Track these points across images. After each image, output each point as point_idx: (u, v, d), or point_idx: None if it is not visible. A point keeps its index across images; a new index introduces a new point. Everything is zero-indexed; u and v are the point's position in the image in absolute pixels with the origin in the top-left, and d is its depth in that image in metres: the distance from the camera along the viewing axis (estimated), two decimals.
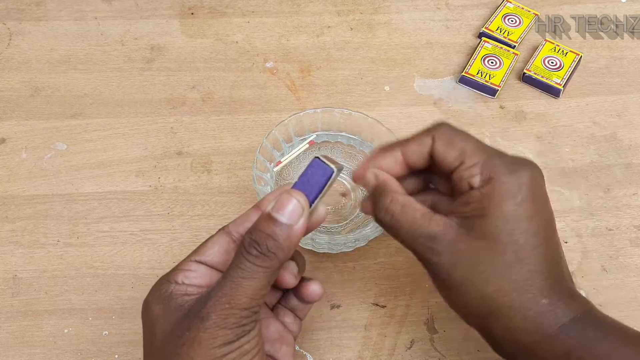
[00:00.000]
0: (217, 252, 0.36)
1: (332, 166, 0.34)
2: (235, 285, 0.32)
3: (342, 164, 0.37)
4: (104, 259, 0.50)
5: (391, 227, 0.37)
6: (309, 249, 0.50)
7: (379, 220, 0.38)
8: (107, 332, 0.47)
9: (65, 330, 0.47)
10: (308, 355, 0.46)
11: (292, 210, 0.33)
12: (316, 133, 0.53)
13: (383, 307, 0.49)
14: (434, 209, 0.37)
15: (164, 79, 0.61)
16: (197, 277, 0.35)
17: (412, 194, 0.39)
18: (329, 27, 0.66)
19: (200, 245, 0.37)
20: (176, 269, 0.36)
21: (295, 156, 0.53)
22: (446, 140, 0.37)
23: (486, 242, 0.34)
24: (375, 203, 0.38)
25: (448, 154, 0.36)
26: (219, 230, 0.37)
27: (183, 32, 0.65)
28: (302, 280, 0.39)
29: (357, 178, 0.39)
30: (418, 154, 0.37)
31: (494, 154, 0.36)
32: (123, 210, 0.53)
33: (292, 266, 0.37)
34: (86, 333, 0.47)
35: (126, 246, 0.51)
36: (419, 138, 0.38)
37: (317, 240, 0.47)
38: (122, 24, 0.65)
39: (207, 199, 0.54)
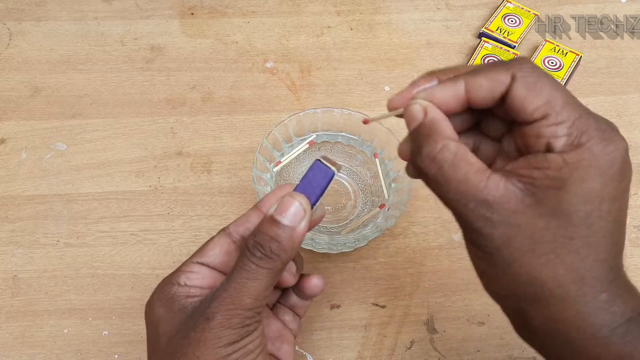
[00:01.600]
0: (218, 254, 0.36)
1: (333, 168, 0.35)
2: (239, 286, 0.32)
3: (341, 163, 0.37)
4: (104, 259, 0.50)
5: (436, 182, 0.30)
6: (309, 249, 0.50)
7: (420, 170, 0.31)
8: (107, 332, 0.47)
9: (65, 330, 0.47)
10: (308, 355, 0.46)
11: (294, 213, 0.33)
12: (316, 133, 0.53)
13: (383, 307, 0.49)
14: (476, 153, 0.32)
15: (164, 79, 0.61)
16: (199, 279, 0.35)
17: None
18: (329, 27, 0.66)
19: (202, 246, 0.37)
20: (178, 271, 0.36)
21: (295, 156, 0.53)
22: (531, 83, 0.29)
23: (555, 220, 0.29)
24: (418, 146, 0.31)
25: (530, 102, 0.29)
26: (220, 231, 0.38)
27: (183, 32, 0.65)
28: (302, 276, 0.39)
29: (395, 105, 0.32)
30: (487, 92, 0.30)
31: (587, 114, 0.29)
32: (123, 210, 0.53)
33: (291, 265, 0.37)
34: (86, 333, 0.47)
35: (126, 246, 0.51)
36: (492, 72, 0.30)
37: (317, 240, 0.47)
38: (122, 24, 0.65)
39: (207, 199, 0.54)
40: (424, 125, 0.31)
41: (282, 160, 0.52)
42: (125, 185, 0.54)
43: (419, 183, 0.35)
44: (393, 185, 0.51)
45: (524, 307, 0.31)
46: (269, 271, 0.33)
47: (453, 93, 0.31)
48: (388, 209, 0.50)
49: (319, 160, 0.35)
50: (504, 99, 0.30)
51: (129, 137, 0.57)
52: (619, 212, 0.30)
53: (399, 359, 0.46)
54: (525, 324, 0.32)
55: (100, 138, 0.57)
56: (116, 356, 0.46)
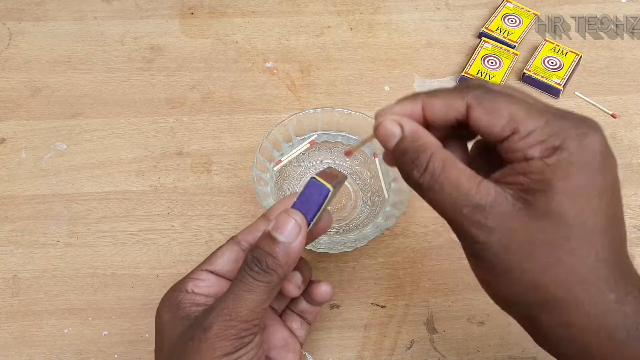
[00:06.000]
0: (226, 261, 0.38)
1: (328, 185, 0.35)
2: (237, 298, 0.33)
3: (345, 173, 0.38)
4: (104, 259, 0.50)
5: (429, 190, 0.30)
6: (309, 249, 0.50)
7: (413, 182, 0.31)
8: (106, 332, 0.47)
9: (65, 330, 0.47)
10: (308, 355, 0.46)
11: (290, 229, 0.34)
12: (316, 133, 0.53)
13: (383, 307, 0.49)
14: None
15: (164, 79, 0.61)
16: (206, 286, 0.36)
17: None
18: (329, 27, 0.66)
19: (211, 254, 0.38)
20: (187, 277, 0.37)
21: (295, 156, 0.53)
22: (488, 106, 0.30)
23: (548, 222, 0.28)
24: (407, 160, 0.31)
25: (494, 123, 0.30)
26: (229, 239, 0.39)
27: (183, 32, 0.65)
28: (312, 282, 0.40)
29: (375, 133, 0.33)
30: (442, 114, 0.31)
31: (554, 115, 0.29)
32: (123, 210, 0.53)
33: (297, 277, 0.38)
34: (86, 333, 0.47)
35: (126, 246, 0.51)
36: (447, 97, 0.31)
37: (317, 240, 0.47)
38: (122, 24, 0.65)
39: (207, 199, 0.54)
40: (406, 138, 0.31)
41: (282, 160, 0.52)
42: (125, 185, 0.54)
43: None
44: (393, 185, 0.51)
45: (533, 313, 0.30)
46: (265, 285, 0.34)
47: (411, 111, 0.32)
48: (388, 197, 0.50)
49: (314, 177, 0.35)
50: (462, 125, 0.31)
51: (129, 137, 0.57)
52: (611, 206, 0.29)
53: (399, 359, 0.46)
54: (538, 330, 0.31)
55: (100, 138, 0.57)
56: (116, 356, 0.46)
